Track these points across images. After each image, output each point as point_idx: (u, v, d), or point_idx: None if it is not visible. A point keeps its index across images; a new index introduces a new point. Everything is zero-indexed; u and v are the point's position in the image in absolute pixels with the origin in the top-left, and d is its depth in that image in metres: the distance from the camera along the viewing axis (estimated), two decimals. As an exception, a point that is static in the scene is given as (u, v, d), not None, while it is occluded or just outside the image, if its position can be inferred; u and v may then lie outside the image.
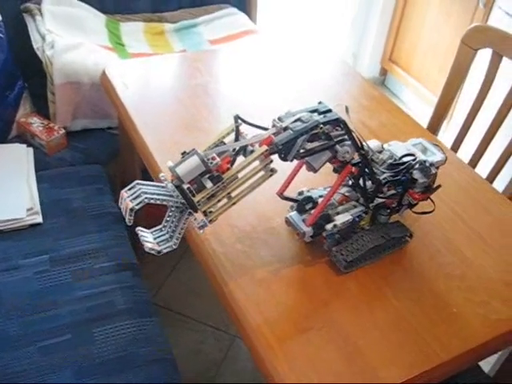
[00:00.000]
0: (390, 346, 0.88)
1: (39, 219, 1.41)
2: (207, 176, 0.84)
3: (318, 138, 0.90)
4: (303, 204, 1.01)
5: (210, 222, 0.87)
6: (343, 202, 1.03)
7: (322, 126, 0.89)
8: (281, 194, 1.04)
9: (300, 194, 1.04)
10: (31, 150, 1.64)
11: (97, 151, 1.74)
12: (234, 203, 0.89)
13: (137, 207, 0.81)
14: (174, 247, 0.86)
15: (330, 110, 0.93)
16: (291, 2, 3.07)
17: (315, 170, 0.95)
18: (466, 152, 1.57)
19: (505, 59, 1.45)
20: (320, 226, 0.98)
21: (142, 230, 0.86)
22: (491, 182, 1.48)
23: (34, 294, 1.23)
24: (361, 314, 0.93)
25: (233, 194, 0.88)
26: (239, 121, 0.91)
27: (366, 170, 0.97)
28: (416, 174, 1.02)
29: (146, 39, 2.03)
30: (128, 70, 1.52)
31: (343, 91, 1.54)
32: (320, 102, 0.95)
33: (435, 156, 1.06)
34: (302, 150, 0.89)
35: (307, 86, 1.54)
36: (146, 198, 0.82)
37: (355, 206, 1.02)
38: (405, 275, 1.01)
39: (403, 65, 3.16)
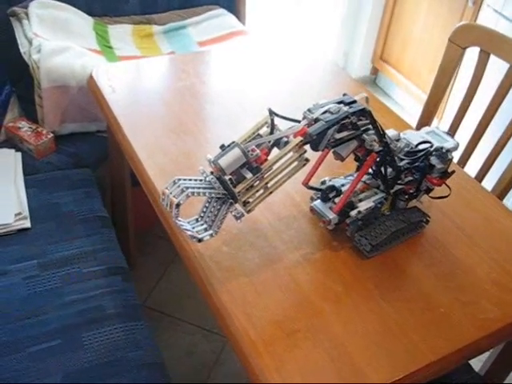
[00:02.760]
0: (376, 346, 0.88)
1: (28, 224, 1.40)
2: (246, 167, 0.89)
3: (345, 127, 0.94)
4: (327, 193, 1.05)
5: (249, 211, 0.93)
6: (364, 189, 1.07)
7: (350, 116, 0.92)
8: (306, 184, 1.08)
9: (323, 183, 1.09)
10: (19, 154, 1.63)
11: (86, 155, 1.73)
12: (270, 193, 0.94)
13: (182, 202, 0.85)
14: (214, 236, 0.91)
15: (354, 101, 0.96)
16: (281, 3, 3.07)
17: (343, 159, 0.99)
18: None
19: (492, 57, 1.46)
20: (344, 212, 1.02)
21: (180, 220, 0.89)
22: (480, 180, 1.48)
23: (22, 300, 1.23)
24: (348, 315, 0.92)
25: (269, 185, 0.92)
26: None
27: (388, 157, 1.00)
28: (433, 160, 1.06)
29: (135, 42, 2.02)
30: (115, 73, 1.51)
31: (332, 91, 1.54)
32: (345, 94, 0.98)
33: (449, 142, 1.10)
34: (331, 140, 0.93)
35: (296, 86, 1.54)
36: (189, 191, 0.86)
37: (376, 193, 1.07)
38: (392, 275, 1.01)
39: (394, 64, 3.16)
